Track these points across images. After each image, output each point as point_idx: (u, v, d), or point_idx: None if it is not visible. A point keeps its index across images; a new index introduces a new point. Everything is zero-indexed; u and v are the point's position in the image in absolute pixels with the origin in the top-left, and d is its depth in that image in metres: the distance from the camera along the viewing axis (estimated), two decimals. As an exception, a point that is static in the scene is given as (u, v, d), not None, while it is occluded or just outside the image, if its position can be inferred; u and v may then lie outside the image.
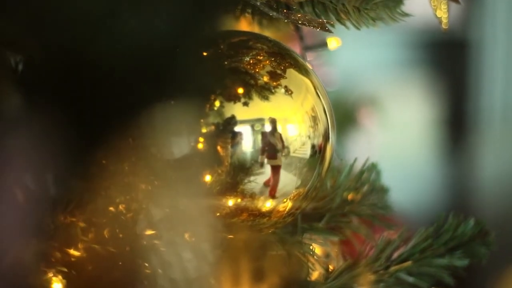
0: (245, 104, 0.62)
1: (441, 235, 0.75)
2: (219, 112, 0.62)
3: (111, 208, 0.59)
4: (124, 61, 0.49)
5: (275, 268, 0.66)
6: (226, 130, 0.62)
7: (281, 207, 0.65)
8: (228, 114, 0.62)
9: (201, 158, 0.61)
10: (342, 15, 0.70)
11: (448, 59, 2.99)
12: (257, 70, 0.64)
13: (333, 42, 0.80)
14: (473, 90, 2.96)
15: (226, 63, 0.64)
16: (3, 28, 0.48)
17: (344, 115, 1.40)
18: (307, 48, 0.78)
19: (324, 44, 0.80)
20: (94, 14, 0.47)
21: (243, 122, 0.62)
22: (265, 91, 0.63)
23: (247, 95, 0.63)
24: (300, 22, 0.68)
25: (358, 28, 0.71)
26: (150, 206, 0.58)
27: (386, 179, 0.79)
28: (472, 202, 2.82)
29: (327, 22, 0.67)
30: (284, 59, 0.66)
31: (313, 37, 0.82)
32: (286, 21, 0.68)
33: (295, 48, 0.72)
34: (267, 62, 0.65)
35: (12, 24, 0.49)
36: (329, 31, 0.68)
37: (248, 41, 0.67)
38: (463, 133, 2.98)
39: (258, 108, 0.63)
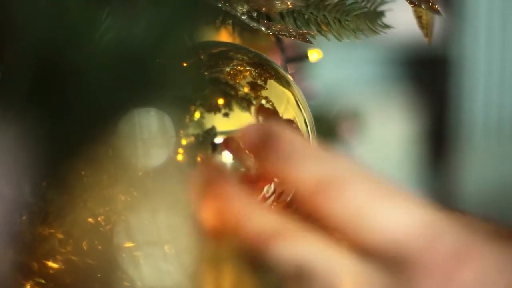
0: (226, 115, 0.62)
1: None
2: (199, 123, 0.62)
3: (90, 220, 0.59)
4: (102, 71, 0.48)
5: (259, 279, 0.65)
6: (206, 141, 0.62)
7: (262, 218, 0.65)
8: (208, 125, 0.62)
9: (181, 169, 0.61)
10: (323, 27, 0.70)
11: (429, 75, 3.01)
12: (237, 81, 0.64)
13: (314, 54, 0.80)
14: (454, 106, 2.98)
15: (206, 73, 0.64)
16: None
17: (325, 129, 1.40)
18: (288, 60, 0.78)
19: (305, 56, 0.80)
20: (73, 22, 0.47)
21: (223, 133, 0.62)
22: (245, 102, 0.63)
23: (228, 106, 0.62)
24: (281, 33, 0.68)
25: (339, 40, 0.71)
26: (129, 218, 0.57)
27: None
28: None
29: (308, 33, 0.68)
30: (265, 70, 0.66)
31: (295, 50, 0.82)
32: (267, 32, 0.68)
33: (276, 60, 0.72)
34: (248, 73, 0.65)
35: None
36: (310, 42, 0.68)
37: (229, 51, 0.66)
38: (445, 149, 2.99)
39: (239, 119, 0.63)
